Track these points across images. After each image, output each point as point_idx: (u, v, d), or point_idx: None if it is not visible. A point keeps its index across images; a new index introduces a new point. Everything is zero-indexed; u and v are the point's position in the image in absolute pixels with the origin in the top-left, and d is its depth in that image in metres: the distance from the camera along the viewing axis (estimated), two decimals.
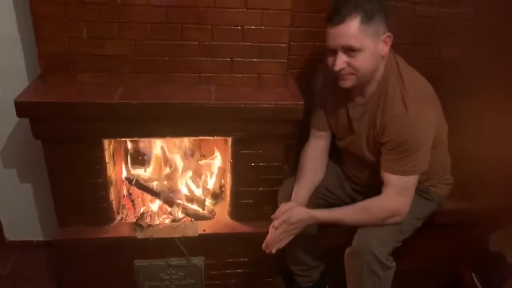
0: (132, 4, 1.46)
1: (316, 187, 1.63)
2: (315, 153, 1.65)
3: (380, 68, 1.41)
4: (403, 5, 1.79)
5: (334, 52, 1.35)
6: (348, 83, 1.39)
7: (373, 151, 1.49)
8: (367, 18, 1.29)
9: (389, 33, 1.36)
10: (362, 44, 1.31)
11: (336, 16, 1.30)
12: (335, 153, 1.70)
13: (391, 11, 1.78)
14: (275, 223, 1.44)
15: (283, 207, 1.47)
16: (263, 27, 1.53)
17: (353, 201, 1.66)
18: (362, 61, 1.33)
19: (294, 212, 1.43)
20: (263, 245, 1.47)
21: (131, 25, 1.49)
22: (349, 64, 1.34)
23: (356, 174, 1.65)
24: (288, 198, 1.57)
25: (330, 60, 1.38)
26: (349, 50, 1.32)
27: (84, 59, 1.53)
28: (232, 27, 1.53)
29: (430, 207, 1.61)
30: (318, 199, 1.67)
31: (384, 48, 1.36)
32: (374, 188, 1.48)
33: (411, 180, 1.41)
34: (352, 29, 1.29)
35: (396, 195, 1.42)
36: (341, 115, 1.56)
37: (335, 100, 1.56)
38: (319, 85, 1.62)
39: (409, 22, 1.81)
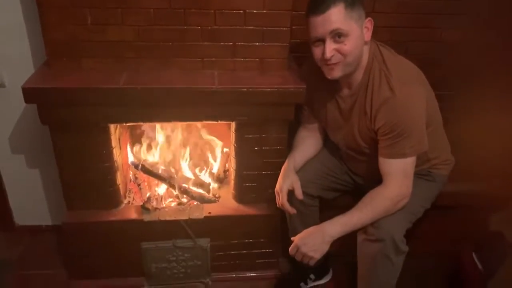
0: None
1: (319, 168, 1.67)
2: (310, 132, 1.72)
3: (364, 56, 1.44)
4: None
5: (321, 42, 1.38)
6: (336, 72, 1.41)
7: (367, 140, 1.51)
8: (350, 5, 1.34)
9: (369, 18, 1.40)
10: (349, 28, 1.34)
11: (321, 4, 1.34)
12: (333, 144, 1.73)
13: None
14: (292, 251, 1.47)
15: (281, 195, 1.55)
16: (264, 11, 1.54)
17: (357, 185, 1.70)
18: (350, 45, 1.36)
19: (305, 240, 1.44)
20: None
21: (135, 11, 1.50)
22: (338, 51, 1.37)
23: (355, 166, 1.68)
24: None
25: (317, 51, 1.41)
26: (337, 36, 1.35)
27: (88, 45, 1.54)
28: (234, 11, 1.54)
29: (434, 187, 1.64)
30: (323, 180, 1.70)
31: (367, 33, 1.41)
32: (374, 177, 1.51)
33: (411, 161, 1.42)
34: (339, 14, 1.33)
35: (399, 179, 1.43)
36: (331, 109, 1.59)
37: (323, 96, 1.59)
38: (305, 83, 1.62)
39: (408, 5, 1.82)
